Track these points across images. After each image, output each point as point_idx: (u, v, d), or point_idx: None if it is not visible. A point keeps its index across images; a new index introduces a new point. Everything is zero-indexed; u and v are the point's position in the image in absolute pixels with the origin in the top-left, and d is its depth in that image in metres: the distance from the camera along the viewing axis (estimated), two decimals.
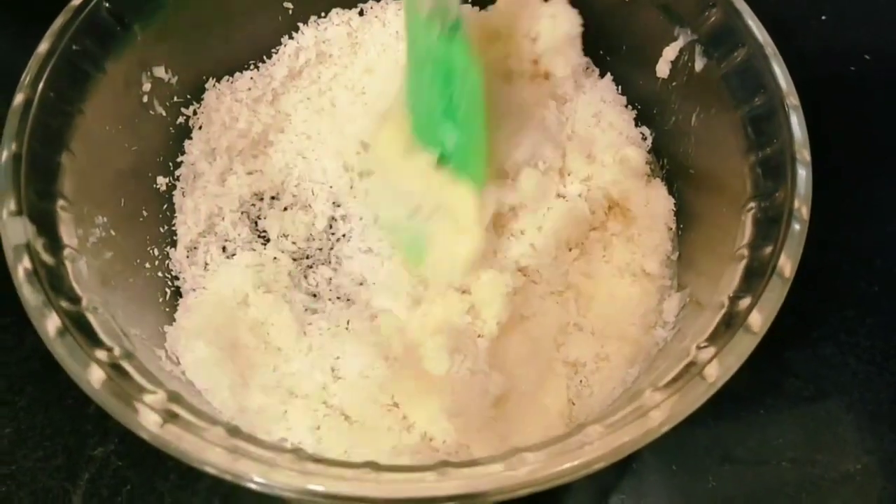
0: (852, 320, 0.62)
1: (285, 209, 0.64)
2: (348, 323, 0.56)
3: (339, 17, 0.68)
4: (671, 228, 0.59)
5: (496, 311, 0.54)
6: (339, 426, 0.51)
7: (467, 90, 0.51)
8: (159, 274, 0.57)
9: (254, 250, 0.61)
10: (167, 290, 0.57)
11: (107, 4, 0.52)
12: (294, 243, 0.62)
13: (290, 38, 0.67)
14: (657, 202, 0.59)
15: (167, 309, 0.56)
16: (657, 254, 0.58)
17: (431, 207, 0.55)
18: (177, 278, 0.59)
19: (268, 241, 0.62)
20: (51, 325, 0.40)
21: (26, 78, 0.47)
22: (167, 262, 0.58)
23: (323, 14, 0.68)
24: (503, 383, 0.53)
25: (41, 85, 0.47)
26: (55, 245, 0.44)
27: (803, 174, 0.45)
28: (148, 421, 0.37)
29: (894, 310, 0.63)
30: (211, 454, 0.36)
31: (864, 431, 0.58)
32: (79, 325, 0.41)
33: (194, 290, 0.58)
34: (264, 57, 0.67)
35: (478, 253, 0.54)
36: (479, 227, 0.54)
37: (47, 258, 0.43)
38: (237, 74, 0.66)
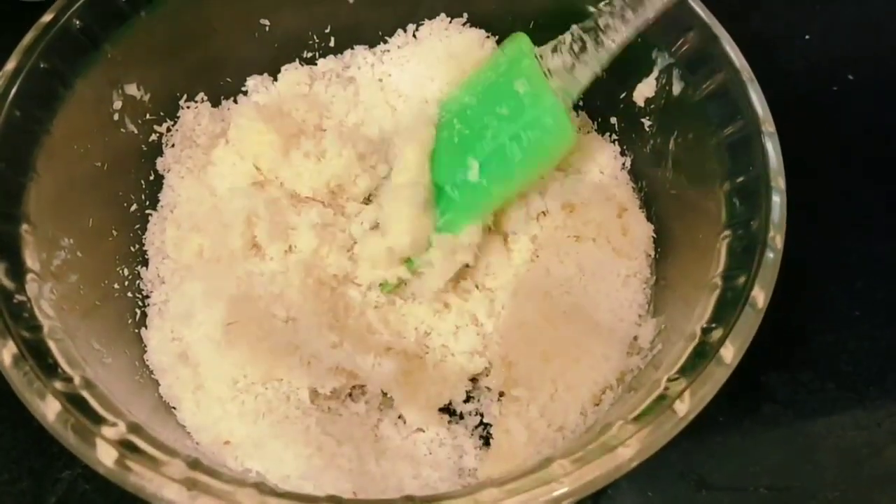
0: (832, 345, 0.62)
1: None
2: None
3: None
4: (650, 255, 0.59)
5: None
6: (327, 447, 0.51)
7: (531, 141, 0.54)
8: (129, 294, 0.56)
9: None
10: (137, 310, 0.56)
11: (77, 21, 0.51)
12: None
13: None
14: (636, 229, 0.59)
15: (136, 330, 0.55)
16: (636, 281, 0.57)
17: None
18: (147, 297, 0.58)
19: None
20: (6, 353, 0.39)
21: None
22: (137, 281, 0.57)
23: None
24: None
25: (7, 104, 0.47)
26: (17, 270, 0.43)
27: (777, 202, 0.44)
28: (104, 455, 0.36)
29: (874, 334, 0.62)
30: (168, 490, 0.36)
31: (842, 458, 0.57)
32: (37, 354, 0.40)
33: (166, 304, 0.57)
34: (241, 74, 0.66)
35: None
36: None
37: (8, 283, 0.42)
38: (213, 91, 0.65)
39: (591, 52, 0.52)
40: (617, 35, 0.51)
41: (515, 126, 0.54)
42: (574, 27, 0.53)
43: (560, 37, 0.54)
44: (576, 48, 0.52)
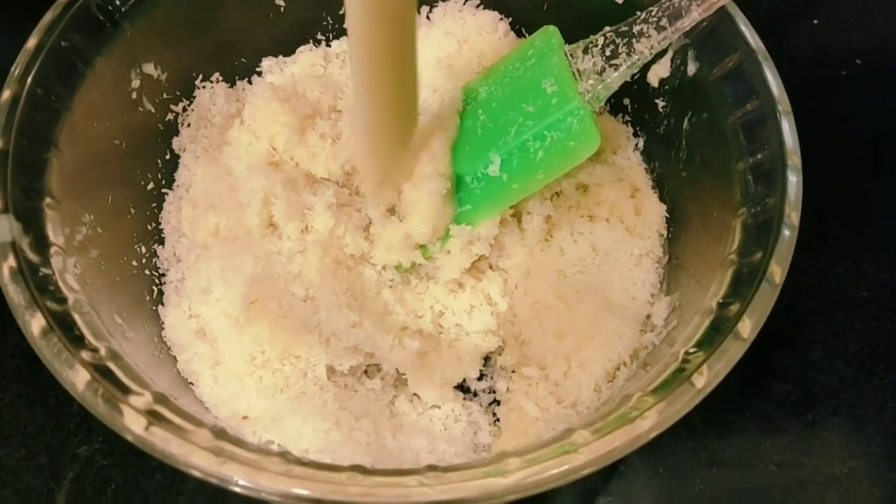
0: (841, 324, 0.63)
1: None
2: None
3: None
4: (662, 235, 0.59)
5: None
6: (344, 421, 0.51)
7: (554, 142, 0.52)
8: (146, 272, 0.57)
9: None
10: (154, 287, 0.57)
11: (97, 0, 0.51)
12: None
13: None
14: (649, 209, 0.59)
15: (153, 307, 0.56)
16: (648, 261, 0.58)
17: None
18: (164, 275, 0.58)
19: None
20: (35, 324, 0.39)
21: (14, 73, 0.47)
22: (154, 259, 0.58)
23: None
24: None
25: (29, 80, 0.47)
26: (41, 243, 0.44)
27: (794, 180, 0.44)
28: (133, 423, 0.37)
29: (882, 314, 0.63)
30: (196, 457, 0.36)
31: (851, 435, 0.58)
32: (64, 325, 0.40)
33: (182, 281, 0.58)
34: (256, 54, 0.67)
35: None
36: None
37: (33, 256, 0.43)
38: (228, 72, 0.65)
39: (623, 58, 0.51)
40: (650, 42, 0.50)
41: (540, 125, 0.52)
42: (607, 30, 0.52)
43: (592, 37, 0.53)
44: (607, 52, 0.52)
